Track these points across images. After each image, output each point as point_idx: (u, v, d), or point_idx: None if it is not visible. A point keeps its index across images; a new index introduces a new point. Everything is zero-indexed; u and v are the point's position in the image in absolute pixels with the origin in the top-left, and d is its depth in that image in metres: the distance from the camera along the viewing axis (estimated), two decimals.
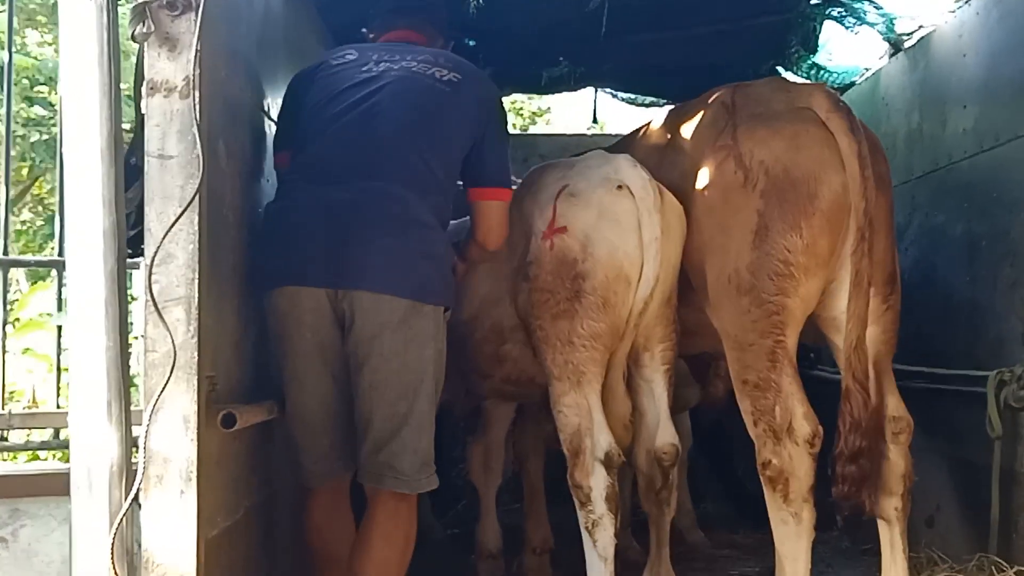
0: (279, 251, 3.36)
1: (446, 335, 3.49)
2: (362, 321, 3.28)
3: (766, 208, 3.57)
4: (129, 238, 2.78)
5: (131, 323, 2.82)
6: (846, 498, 3.49)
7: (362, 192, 3.33)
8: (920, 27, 4.95)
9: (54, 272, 4.19)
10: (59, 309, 4.11)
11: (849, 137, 3.55)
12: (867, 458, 3.49)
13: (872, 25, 5.17)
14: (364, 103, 3.46)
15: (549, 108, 17.33)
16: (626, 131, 4.93)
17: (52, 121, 11.08)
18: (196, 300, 2.66)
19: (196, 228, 2.66)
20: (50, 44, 12.65)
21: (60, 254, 3.84)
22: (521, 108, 17.17)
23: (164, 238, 2.62)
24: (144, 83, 2.69)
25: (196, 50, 2.64)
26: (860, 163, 3.50)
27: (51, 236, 9.31)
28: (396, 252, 3.32)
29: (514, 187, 3.89)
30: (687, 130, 4.03)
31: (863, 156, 3.51)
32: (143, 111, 2.70)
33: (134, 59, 2.90)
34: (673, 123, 4.19)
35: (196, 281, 2.66)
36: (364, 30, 3.97)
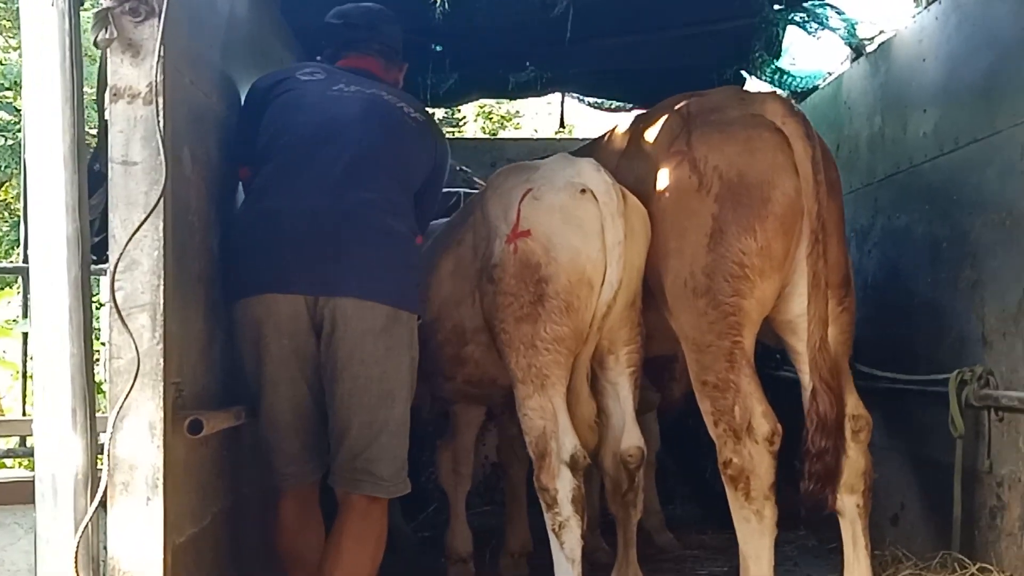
0: (256, 259, 3.36)
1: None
2: (344, 328, 3.31)
3: (720, 212, 3.63)
4: (94, 244, 2.78)
5: (97, 329, 2.81)
6: (812, 495, 3.56)
7: (345, 201, 3.37)
8: (881, 32, 5.01)
9: (20, 279, 4.16)
10: (24, 316, 4.09)
11: (804, 142, 3.61)
12: (832, 456, 3.55)
13: (834, 30, 5.22)
14: (340, 118, 3.50)
15: (519, 112, 17.33)
16: (595, 135, 4.97)
17: (17, 126, 10.95)
18: (161, 306, 2.66)
19: (161, 234, 2.66)
20: (15, 49, 12.52)
21: (25, 261, 3.81)
22: (490, 112, 17.16)
23: (128, 244, 2.62)
24: (107, 89, 2.69)
25: (159, 56, 2.64)
26: (814, 167, 3.57)
27: (17, 242, 9.20)
28: (380, 260, 3.38)
29: (479, 189, 3.93)
30: (646, 136, 4.09)
31: (816, 161, 3.58)
32: (106, 117, 2.70)
33: (98, 64, 2.89)
34: (634, 129, 4.25)
35: (161, 287, 2.66)
36: (318, 58, 3.98)
